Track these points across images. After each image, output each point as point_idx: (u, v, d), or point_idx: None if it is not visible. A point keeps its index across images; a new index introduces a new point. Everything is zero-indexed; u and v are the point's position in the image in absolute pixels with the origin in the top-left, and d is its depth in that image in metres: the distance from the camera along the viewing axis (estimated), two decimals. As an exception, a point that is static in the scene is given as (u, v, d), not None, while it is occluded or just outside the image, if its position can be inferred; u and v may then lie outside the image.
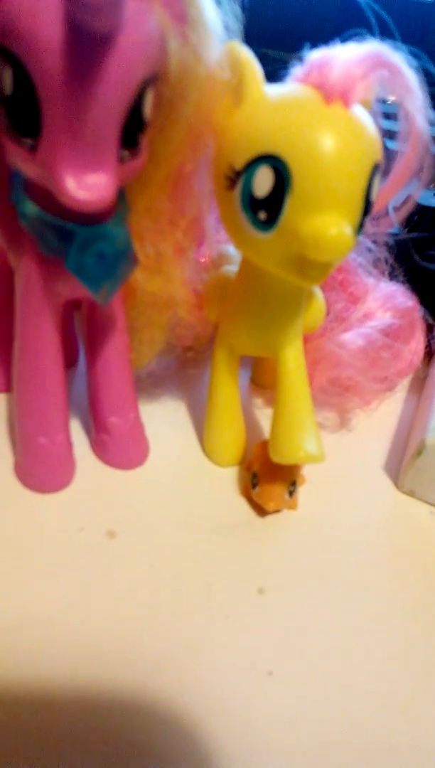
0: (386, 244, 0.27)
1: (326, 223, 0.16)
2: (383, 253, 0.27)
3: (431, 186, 0.39)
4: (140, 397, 0.24)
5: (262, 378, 0.29)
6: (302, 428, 0.21)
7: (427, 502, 0.24)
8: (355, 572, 0.21)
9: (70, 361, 0.25)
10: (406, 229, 0.33)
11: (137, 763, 0.16)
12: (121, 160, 0.15)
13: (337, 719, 0.17)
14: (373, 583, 0.21)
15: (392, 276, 0.28)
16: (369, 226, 0.24)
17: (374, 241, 0.27)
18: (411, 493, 0.24)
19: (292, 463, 0.21)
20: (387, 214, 0.22)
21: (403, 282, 0.28)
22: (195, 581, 0.20)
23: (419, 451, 0.23)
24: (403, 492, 0.24)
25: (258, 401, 0.28)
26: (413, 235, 0.32)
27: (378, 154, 0.17)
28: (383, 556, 0.22)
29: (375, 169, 0.17)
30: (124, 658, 0.18)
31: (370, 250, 0.27)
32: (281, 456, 0.20)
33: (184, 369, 0.26)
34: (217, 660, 0.18)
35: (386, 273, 0.28)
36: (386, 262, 0.27)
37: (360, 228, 0.17)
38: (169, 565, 0.20)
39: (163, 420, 0.25)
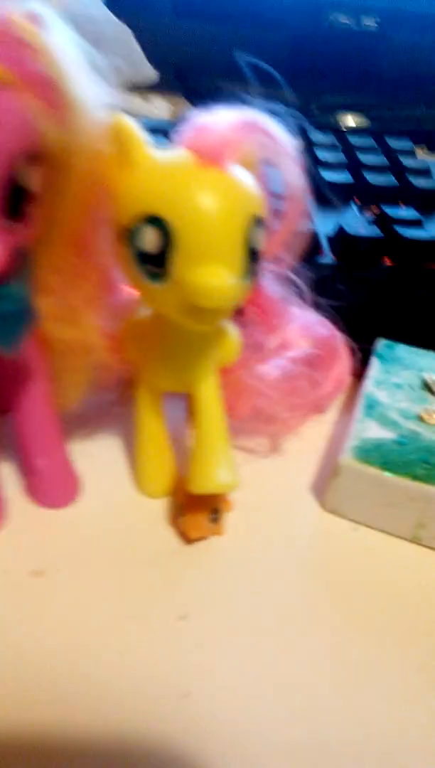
0: (307, 273, 0.29)
1: (208, 274, 0.17)
2: (305, 283, 0.29)
3: (366, 213, 0.41)
4: (70, 438, 0.25)
5: (197, 409, 0.30)
6: (215, 459, 0.22)
7: (349, 519, 0.25)
8: (280, 590, 0.22)
9: (5, 407, 0.26)
10: (334, 257, 0.35)
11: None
12: (9, 230, 0.16)
13: (256, 738, 0.18)
14: (297, 599, 0.22)
15: (316, 304, 0.30)
16: (289, 256, 0.25)
17: (295, 272, 0.28)
18: (334, 512, 0.26)
19: (206, 492, 0.22)
20: (288, 251, 0.23)
21: (326, 309, 0.30)
22: (118, 613, 0.21)
23: (336, 472, 0.24)
24: (328, 511, 0.26)
25: (192, 432, 0.29)
26: (337, 262, 0.34)
27: (257, 208, 0.18)
28: (308, 574, 0.23)
29: (254, 221, 0.18)
30: (42, 689, 0.19)
31: (290, 280, 0.29)
32: (196, 486, 0.22)
33: (111, 407, 0.27)
34: (135, 684, 0.19)
35: (309, 302, 0.29)
36: (305, 291, 0.29)
37: (249, 274, 0.19)
38: (94, 599, 0.21)
39: (94, 458, 0.26)
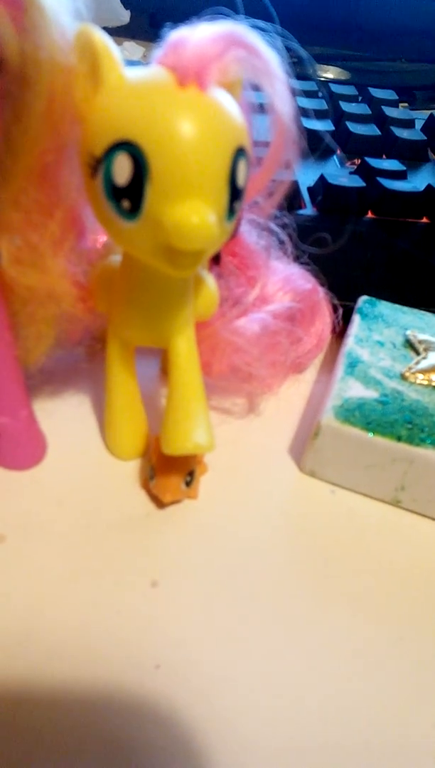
0: (286, 225, 0.27)
1: (187, 211, 0.15)
2: (285, 234, 0.27)
3: (347, 164, 0.39)
4: (35, 394, 0.23)
5: (170, 366, 0.29)
6: (191, 418, 0.20)
7: (327, 481, 0.24)
8: (255, 556, 0.21)
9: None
10: (315, 208, 0.33)
11: (23, 749, 0.15)
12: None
13: (224, 711, 0.17)
14: (273, 565, 0.21)
15: (296, 257, 0.28)
16: (269, 205, 0.24)
17: (275, 222, 0.27)
18: (312, 474, 0.25)
19: (181, 454, 0.20)
20: (269, 196, 0.22)
21: (306, 263, 0.28)
22: (87, 578, 0.20)
23: (316, 433, 0.23)
24: (305, 473, 0.25)
25: (166, 391, 0.28)
26: (318, 213, 0.32)
27: (241, 138, 0.17)
28: (284, 538, 0.22)
29: (238, 153, 0.16)
30: (9, 656, 0.17)
31: (270, 231, 0.27)
32: (170, 447, 0.20)
33: (78, 363, 0.25)
34: (103, 655, 0.18)
35: (290, 254, 0.28)
36: (290, 243, 0.27)
37: (231, 214, 0.17)
38: (61, 564, 0.20)
39: (61, 416, 0.25)
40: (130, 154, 0.16)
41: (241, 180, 0.17)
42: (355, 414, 0.23)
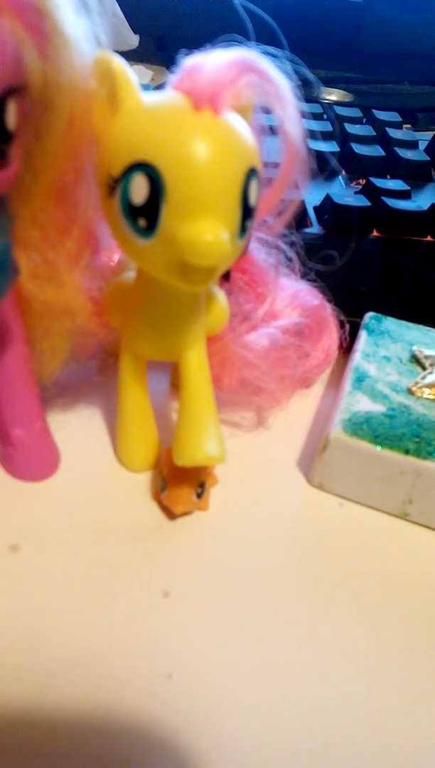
0: (293, 243, 0.28)
1: (201, 229, 0.16)
2: (293, 252, 0.28)
3: (352, 184, 0.40)
4: (48, 407, 0.24)
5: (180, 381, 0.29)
6: (203, 430, 0.21)
7: (335, 494, 0.25)
8: (264, 568, 0.22)
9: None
10: (321, 227, 0.34)
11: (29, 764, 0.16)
12: (-15, 172, 0.15)
13: (239, 720, 0.18)
14: (282, 577, 0.22)
15: (303, 275, 0.29)
16: (277, 224, 0.24)
17: (284, 240, 0.27)
18: (320, 487, 0.25)
19: (193, 465, 0.21)
20: (278, 215, 0.22)
21: (314, 280, 0.29)
22: (99, 589, 0.20)
23: (324, 446, 0.23)
24: (314, 486, 0.25)
25: (176, 404, 0.28)
26: (324, 232, 0.33)
27: (253, 159, 0.17)
28: (293, 550, 0.23)
29: (250, 173, 0.17)
30: (21, 667, 0.18)
31: (278, 249, 0.28)
32: (182, 459, 0.21)
33: (91, 376, 0.26)
34: (115, 665, 0.18)
35: (297, 272, 0.28)
36: (293, 261, 0.28)
37: (243, 232, 0.18)
38: (73, 575, 0.20)
39: (74, 429, 0.25)
40: (147, 174, 0.16)
41: (252, 199, 0.17)
42: (363, 427, 0.23)
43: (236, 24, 0.21)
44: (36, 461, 0.23)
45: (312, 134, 0.42)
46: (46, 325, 0.21)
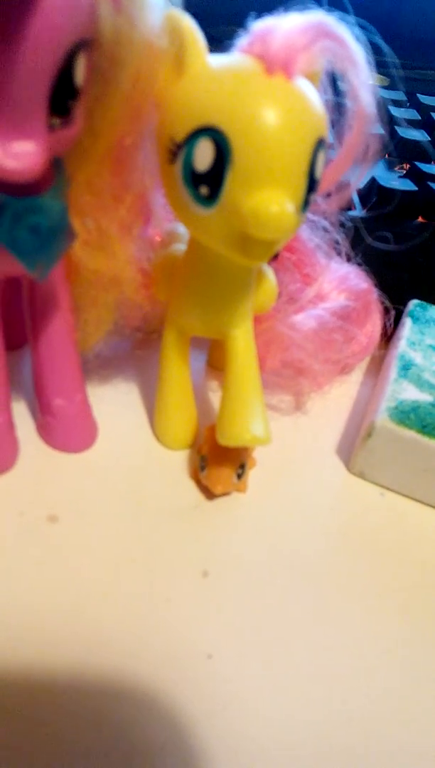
0: (342, 224, 0.27)
1: (267, 199, 0.15)
2: (339, 234, 0.27)
3: (395, 168, 0.39)
4: (88, 379, 0.23)
5: (218, 360, 0.28)
6: (249, 410, 0.20)
7: (376, 483, 0.24)
8: (303, 553, 0.21)
9: (17, 342, 0.24)
10: (365, 210, 0.33)
11: (68, 735, 0.15)
12: (51, 129, 0.14)
13: (276, 703, 0.17)
14: (320, 564, 0.21)
15: (349, 257, 0.28)
16: (326, 205, 0.23)
17: (331, 222, 0.27)
18: (361, 475, 0.24)
19: (238, 445, 0.20)
20: (338, 192, 0.21)
21: (359, 264, 0.28)
22: (138, 565, 0.20)
23: (369, 433, 0.23)
24: (354, 474, 0.24)
25: (213, 384, 0.28)
26: (373, 214, 0.32)
27: (322, 129, 0.16)
28: (331, 538, 0.22)
29: (319, 144, 0.16)
30: (61, 640, 0.17)
31: (326, 230, 0.27)
32: (227, 438, 0.20)
33: (133, 350, 0.25)
34: (154, 642, 0.18)
35: (343, 254, 0.28)
36: (344, 242, 0.27)
37: (305, 206, 0.17)
38: (112, 549, 0.20)
39: (113, 402, 0.25)
40: (214, 140, 0.16)
41: (318, 172, 0.17)
42: (411, 416, 0.23)
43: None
44: (75, 433, 0.23)
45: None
46: (93, 294, 0.20)
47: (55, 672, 0.17)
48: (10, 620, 0.18)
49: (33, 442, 0.23)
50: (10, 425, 0.21)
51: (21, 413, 0.23)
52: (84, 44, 0.14)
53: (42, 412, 0.22)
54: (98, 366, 0.24)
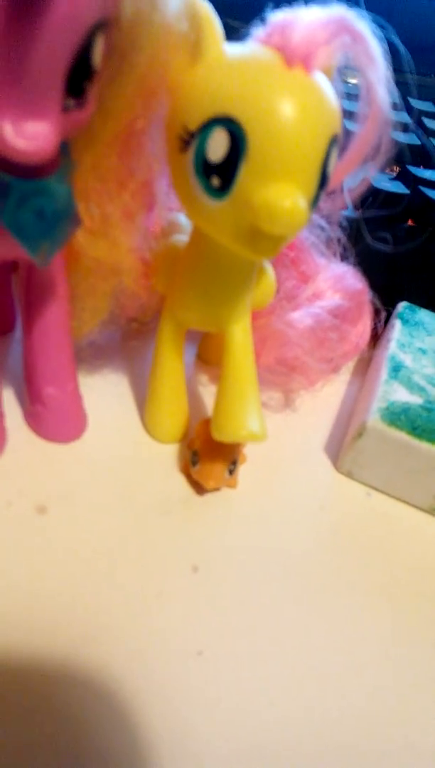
0: (339, 224, 0.27)
1: (281, 193, 0.15)
2: (336, 233, 0.27)
3: (388, 170, 0.39)
4: (80, 368, 0.23)
5: (208, 354, 0.28)
6: (245, 406, 0.20)
7: (364, 483, 0.24)
8: (291, 550, 0.21)
9: (5, 327, 0.23)
10: (360, 211, 0.33)
11: (60, 727, 0.15)
12: (65, 109, 0.14)
13: (264, 700, 0.17)
14: (307, 560, 0.21)
15: (344, 257, 0.28)
16: (322, 204, 0.23)
17: (329, 220, 0.27)
18: (349, 475, 0.24)
19: (233, 441, 0.20)
20: (341, 191, 0.21)
21: (354, 264, 0.28)
22: (127, 558, 0.19)
23: (360, 433, 0.23)
24: (341, 473, 0.25)
25: (203, 378, 0.27)
26: (366, 215, 0.32)
27: (337, 125, 0.16)
28: (319, 536, 0.22)
29: (333, 140, 0.16)
30: (48, 633, 0.17)
31: (322, 229, 0.27)
32: (223, 433, 0.20)
33: (127, 340, 0.25)
34: (144, 637, 0.17)
35: (338, 253, 0.28)
36: (338, 242, 0.27)
37: (315, 202, 0.17)
38: (101, 541, 0.20)
39: (104, 392, 0.24)
40: (229, 130, 0.15)
41: (330, 168, 0.17)
42: (401, 418, 0.23)
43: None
44: (64, 422, 0.22)
45: (349, 115, 0.41)
46: (91, 282, 0.20)
47: (42, 665, 0.16)
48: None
49: (20, 430, 0.22)
50: (-1, 413, 0.21)
51: (8, 401, 0.23)
52: (104, 24, 0.13)
53: (32, 400, 0.21)
54: (90, 355, 0.24)
